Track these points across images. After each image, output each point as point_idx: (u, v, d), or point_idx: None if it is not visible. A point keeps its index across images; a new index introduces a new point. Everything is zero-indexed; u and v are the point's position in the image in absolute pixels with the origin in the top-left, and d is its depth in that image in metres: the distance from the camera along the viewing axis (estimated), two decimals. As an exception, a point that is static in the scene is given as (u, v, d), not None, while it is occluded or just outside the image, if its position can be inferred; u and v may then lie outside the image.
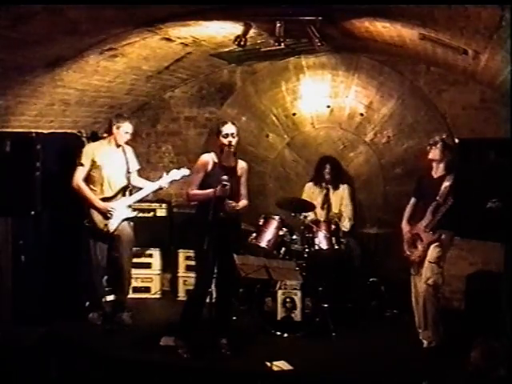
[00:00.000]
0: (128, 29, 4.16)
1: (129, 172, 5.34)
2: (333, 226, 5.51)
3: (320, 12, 4.19)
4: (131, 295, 5.86)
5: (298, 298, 5.14)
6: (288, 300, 5.14)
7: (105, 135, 5.47)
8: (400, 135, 6.17)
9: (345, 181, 6.11)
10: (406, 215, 5.05)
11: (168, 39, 4.70)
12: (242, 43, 4.60)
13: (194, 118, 6.74)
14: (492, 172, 4.23)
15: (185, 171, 5.31)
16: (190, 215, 5.21)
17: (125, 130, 5.23)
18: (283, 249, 5.51)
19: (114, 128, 5.21)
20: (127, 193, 5.33)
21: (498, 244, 4.79)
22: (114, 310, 5.42)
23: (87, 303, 5.52)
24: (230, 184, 4.50)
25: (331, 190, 5.94)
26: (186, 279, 6.20)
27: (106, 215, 5.17)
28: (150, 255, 6.39)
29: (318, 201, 5.85)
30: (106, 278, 5.67)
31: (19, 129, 4.94)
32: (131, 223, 5.39)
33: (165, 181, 5.30)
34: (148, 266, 6.38)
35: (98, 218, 5.18)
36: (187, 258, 6.19)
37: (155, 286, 6.41)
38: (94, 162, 5.18)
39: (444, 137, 4.88)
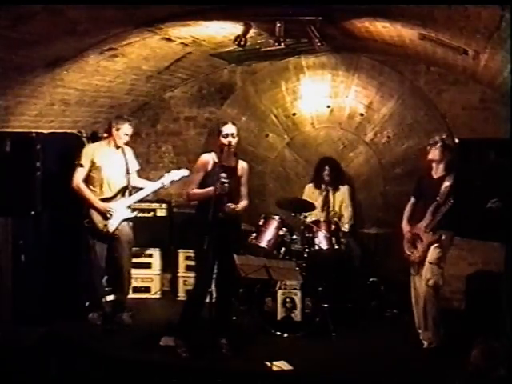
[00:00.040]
0: (128, 29, 4.16)
1: (128, 173, 5.34)
2: (333, 226, 5.51)
3: (320, 12, 4.19)
4: (131, 295, 5.86)
5: (297, 298, 5.13)
6: (288, 300, 5.14)
7: (105, 135, 5.47)
8: (400, 135, 6.18)
9: (345, 182, 6.11)
10: (405, 215, 5.05)
11: (168, 39, 4.70)
12: (241, 43, 4.60)
13: (193, 118, 6.74)
14: (492, 172, 4.23)
15: (184, 172, 5.32)
16: (190, 215, 5.21)
17: (124, 131, 5.24)
18: (283, 249, 5.51)
19: (114, 130, 5.22)
20: (127, 193, 5.33)
21: (498, 244, 4.80)
22: (113, 310, 5.42)
23: (87, 303, 5.52)
24: (228, 181, 4.51)
25: (331, 192, 5.94)
26: (186, 279, 6.20)
27: (106, 216, 5.17)
28: (150, 255, 6.39)
29: (318, 202, 5.85)
30: (106, 278, 5.67)
31: (19, 129, 4.94)
32: (131, 223, 5.39)
33: (164, 181, 5.31)
34: (148, 266, 6.38)
35: (97, 218, 5.18)
36: (187, 257, 6.19)
37: (155, 286, 6.41)
38: (93, 163, 5.18)
39: (444, 137, 4.86)
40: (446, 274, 4.95)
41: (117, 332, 5.16)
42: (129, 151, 5.45)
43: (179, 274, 6.31)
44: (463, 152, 4.66)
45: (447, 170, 4.80)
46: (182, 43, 4.96)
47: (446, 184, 4.71)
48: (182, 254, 6.29)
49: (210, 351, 4.57)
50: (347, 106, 6.31)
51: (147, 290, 6.37)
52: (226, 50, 5.48)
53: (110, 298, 5.65)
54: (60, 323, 4.98)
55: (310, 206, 5.61)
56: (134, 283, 6.06)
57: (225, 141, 4.64)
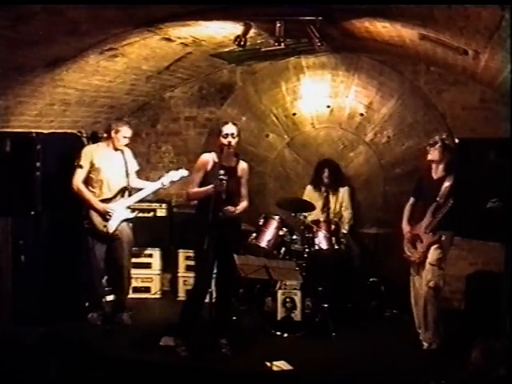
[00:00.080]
0: (128, 29, 4.16)
1: (128, 173, 5.35)
2: (333, 226, 5.52)
3: (320, 12, 4.19)
4: (131, 295, 5.86)
5: (297, 298, 5.13)
6: (288, 300, 5.14)
7: (105, 135, 5.47)
8: (400, 135, 6.17)
9: (344, 183, 6.10)
10: (405, 215, 5.03)
11: (168, 39, 4.70)
12: (242, 43, 4.59)
13: (193, 118, 6.74)
14: (492, 172, 4.23)
15: (183, 172, 5.33)
16: (190, 215, 5.21)
17: (123, 134, 5.25)
18: (283, 249, 5.51)
19: (113, 132, 5.23)
20: (126, 194, 5.34)
21: (498, 244, 4.80)
22: (113, 310, 5.42)
23: (87, 303, 5.52)
24: (226, 178, 4.51)
25: (331, 194, 5.94)
26: (186, 279, 6.20)
27: (106, 217, 5.17)
28: (150, 255, 6.39)
29: (317, 204, 5.84)
30: (106, 278, 5.67)
31: (19, 129, 4.94)
32: (130, 224, 5.40)
33: (163, 182, 5.32)
34: (148, 266, 6.38)
35: (97, 219, 5.19)
36: (187, 258, 6.19)
37: (155, 286, 6.41)
38: (92, 164, 5.19)
39: (444, 137, 4.85)
40: (446, 274, 4.95)
41: (117, 332, 5.15)
42: (128, 152, 5.46)
43: (179, 274, 6.30)
44: (463, 152, 4.65)
45: (447, 171, 4.78)
46: (182, 43, 4.96)
47: (446, 184, 4.70)
48: (181, 254, 6.29)
49: (210, 351, 4.58)
50: (347, 106, 6.31)
51: (147, 290, 6.37)
52: (226, 50, 5.48)
53: (110, 298, 5.65)
54: (60, 323, 4.97)
55: (310, 206, 5.61)
56: (134, 283, 6.06)
57: (225, 141, 4.64)
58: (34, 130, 4.96)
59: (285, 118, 6.49)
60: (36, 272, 5.19)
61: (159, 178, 5.39)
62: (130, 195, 5.34)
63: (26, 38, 3.66)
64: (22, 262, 5.14)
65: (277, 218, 5.46)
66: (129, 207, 5.33)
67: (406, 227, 4.97)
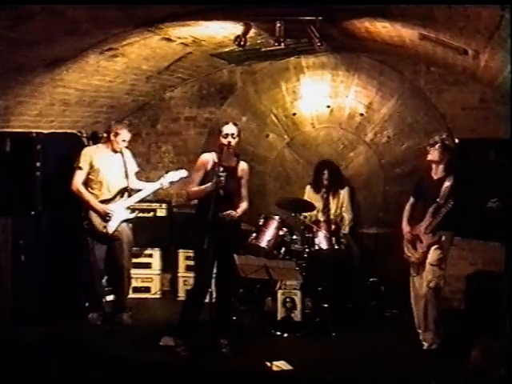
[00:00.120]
0: (128, 29, 4.16)
1: (127, 174, 5.35)
2: (333, 226, 5.52)
3: (320, 12, 4.19)
4: (131, 295, 5.86)
5: (298, 298, 5.13)
6: (288, 300, 5.14)
7: (105, 135, 5.47)
8: (400, 135, 6.17)
9: (344, 184, 6.09)
10: (405, 215, 5.02)
11: (168, 39, 4.70)
12: (241, 43, 4.60)
13: (193, 118, 6.74)
14: (492, 172, 4.22)
15: (183, 172, 5.33)
16: (190, 215, 5.22)
17: (122, 138, 5.25)
18: (283, 249, 5.51)
19: (112, 135, 5.23)
20: (126, 195, 5.34)
21: (497, 244, 4.79)
22: (113, 310, 5.42)
23: (87, 303, 5.52)
24: (225, 175, 4.51)
25: (331, 195, 5.94)
26: (186, 279, 6.20)
27: (105, 217, 5.17)
28: (150, 255, 6.39)
29: (317, 205, 5.83)
30: (106, 278, 5.67)
31: (19, 129, 4.94)
32: (130, 224, 5.40)
33: (163, 182, 5.32)
34: (148, 266, 6.38)
35: (97, 220, 5.19)
36: (187, 258, 6.19)
37: (155, 286, 6.42)
38: (92, 166, 5.19)
39: (444, 137, 4.85)
40: (446, 274, 4.94)
41: (117, 332, 5.15)
42: (127, 153, 5.46)
43: (179, 274, 6.30)
44: (463, 152, 4.64)
45: (447, 171, 4.77)
46: (182, 43, 4.96)
47: (446, 185, 4.69)
48: (181, 254, 6.29)
49: (210, 351, 4.58)
50: (347, 106, 6.31)
51: (147, 290, 6.37)
52: (226, 50, 5.48)
53: (110, 298, 5.65)
54: (60, 323, 4.97)
55: (310, 206, 5.61)
56: (134, 283, 6.06)
57: (224, 141, 4.64)
58: (34, 130, 4.96)
59: (285, 118, 6.49)
60: (36, 272, 5.19)
61: (159, 179, 5.39)
62: (129, 196, 5.35)
63: (26, 38, 3.66)
64: (22, 261, 5.14)
65: (277, 218, 5.46)
66: (128, 208, 5.33)
67: (405, 227, 4.97)
